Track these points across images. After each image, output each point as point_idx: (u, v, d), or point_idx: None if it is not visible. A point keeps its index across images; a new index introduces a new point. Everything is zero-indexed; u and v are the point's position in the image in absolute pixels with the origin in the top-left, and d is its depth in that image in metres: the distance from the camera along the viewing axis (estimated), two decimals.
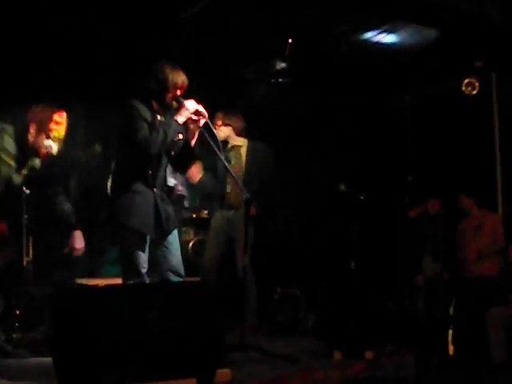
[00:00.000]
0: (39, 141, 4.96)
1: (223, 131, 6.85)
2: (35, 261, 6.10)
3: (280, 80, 8.47)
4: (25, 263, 6.01)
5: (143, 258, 4.89)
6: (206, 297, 4.33)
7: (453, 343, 6.12)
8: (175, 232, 5.12)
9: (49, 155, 5.03)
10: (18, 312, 5.93)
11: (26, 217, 5.51)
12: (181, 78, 4.99)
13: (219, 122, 6.83)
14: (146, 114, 4.89)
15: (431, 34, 7.14)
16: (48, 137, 4.97)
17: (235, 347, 5.15)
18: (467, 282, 6.83)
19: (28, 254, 6.14)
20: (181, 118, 4.87)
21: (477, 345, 6.04)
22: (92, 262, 7.20)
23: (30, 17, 6.18)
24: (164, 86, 4.95)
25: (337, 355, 5.70)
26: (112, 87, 7.05)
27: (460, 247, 7.16)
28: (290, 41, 7.28)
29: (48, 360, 4.20)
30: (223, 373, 4.25)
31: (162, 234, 4.99)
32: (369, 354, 5.69)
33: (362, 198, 6.73)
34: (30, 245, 6.13)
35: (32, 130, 4.96)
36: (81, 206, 6.31)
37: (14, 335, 5.55)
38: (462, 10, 6.58)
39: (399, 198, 8.14)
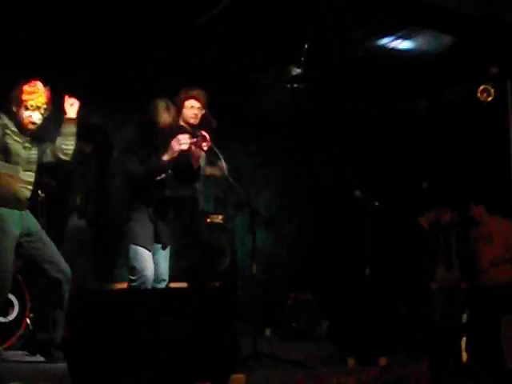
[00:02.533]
0: (21, 115, 5.05)
1: None
2: None
3: (295, 85, 8.47)
4: None
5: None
6: (221, 302, 4.34)
7: (466, 350, 6.10)
8: None
9: (33, 125, 5.10)
10: (31, 315, 6.00)
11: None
12: (169, 120, 5.23)
13: None
14: (136, 143, 5.23)
15: (447, 40, 7.13)
16: (26, 108, 5.04)
17: (249, 354, 5.15)
18: (481, 291, 6.81)
19: None
20: (166, 157, 5.12)
21: (490, 352, 6.02)
22: (108, 266, 7.22)
23: None
24: (153, 123, 5.21)
25: (350, 361, 5.69)
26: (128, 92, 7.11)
27: (473, 255, 7.15)
28: (306, 46, 7.29)
29: (62, 365, 4.23)
30: (237, 378, 4.25)
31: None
32: (382, 361, 5.67)
33: (376, 204, 6.72)
34: None
35: (13, 108, 5.06)
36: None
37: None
38: (478, 16, 6.58)
39: (414, 205, 8.12)
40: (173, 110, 5.25)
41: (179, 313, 4.09)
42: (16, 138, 5.05)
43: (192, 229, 5.80)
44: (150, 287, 5.09)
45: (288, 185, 8.66)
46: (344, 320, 6.58)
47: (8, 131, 5.02)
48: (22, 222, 5.06)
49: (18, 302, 5.92)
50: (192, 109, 5.85)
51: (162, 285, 5.32)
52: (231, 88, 7.94)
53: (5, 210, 4.97)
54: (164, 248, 5.33)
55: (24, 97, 5.03)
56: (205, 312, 4.21)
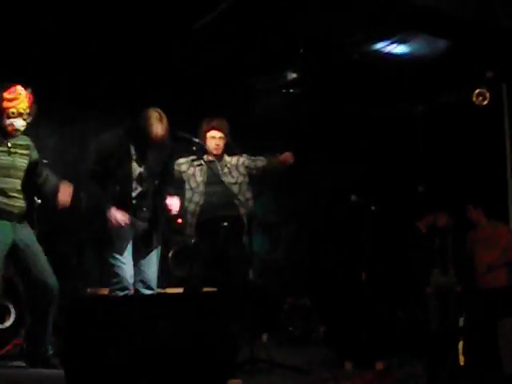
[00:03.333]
0: (3, 122, 4.98)
1: None
2: None
3: (291, 90, 8.48)
4: None
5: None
6: (218, 308, 4.34)
7: (464, 354, 6.09)
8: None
9: (16, 132, 5.01)
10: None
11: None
12: (162, 133, 5.01)
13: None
14: (109, 156, 5.04)
15: (442, 44, 7.15)
16: (8, 116, 4.96)
17: (246, 359, 5.15)
18: (478, 294, 6.81)
19: None
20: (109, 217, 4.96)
21: (488, 356, 6.01)
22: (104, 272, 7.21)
23: None
24: (141, 133, 5.00)
25: (348, 366, 5.70)
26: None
27: (470, 259, 7.15)
28: (301, 51, 7.30)
29: (59, 372, 4.23)
30: (234, 383, 4.25)
31: (144, 252, 5.20)
32: (379, 365, 5.68)
33: (373, 208, 6.72)
34: None
35: None
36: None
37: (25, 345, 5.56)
38: (473, 20, 6.59)
39: (410, 209, 8.13)
40: (165, 121, 5.04)
41: (175, 318, 4.09)
42: None
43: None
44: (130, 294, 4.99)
45: (284, 189, 8.65)
46: (341, 324, 6.59)
47: None
48: (14, 232, 5.01)
49: (15, 308, 5.90)
50: (213, 139, 6.09)
51: (150, 292, 5.24)
52: (227, 93, 7.94)
53: None
54: (147, 253, 5.23)
55: (5, 104, 4.92)
56: (201, 317, 4.21)
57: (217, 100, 7.77)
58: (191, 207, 6.12)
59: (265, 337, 7.23)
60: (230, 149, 6.19)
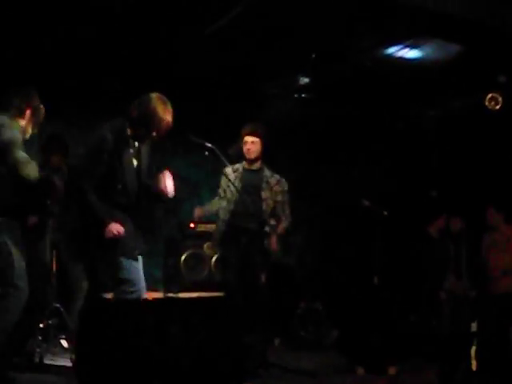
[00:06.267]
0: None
1: None
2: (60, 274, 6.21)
3: (303, 95, 8.49)
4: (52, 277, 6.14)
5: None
6: (229, 312, 4.35)
7: (476, 359, 6.07)
8: None
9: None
10: (41, 325, 6.02)
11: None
12: (167, 121, 4.80)
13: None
14: (112, 145, 4.75)
15: (454, 48, 7.13)
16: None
17: (259, 363, 5.16)
18: (491, 299, 6.78)
19: (52, 268, 6.24)
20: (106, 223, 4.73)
21: (500, 360, 5.99)
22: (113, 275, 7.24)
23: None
24: (146, 122, 4.78)
25: (360, 371, 5.69)
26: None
27: (484, 263, 7.10)
28: (313, 56, 7.30)
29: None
30: None
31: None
32: (392, 370, 5.67)
33: (385, 213, 6.71)
34: (54, 259, 6.23)
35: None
36: None
37: (38, 349, 5.61)
38: (485, 24, 6.57)
39: (423, 213, 8.10)
40: (170, 109, 4.82)
41: (188, 322, 4.11)
42: None
43: None
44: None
45: (296, 194, 8.64)
46: (353, 329, 6.58)
47: None
48: None
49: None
50: (246, 144, 6.12)
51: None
52: (239, 98, 7.96)
53: None
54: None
55: None
56: (214, 321, 4.23)
57: (229, 105, 7.80)
58: (223, 215, 6.13)
59: (277, 341, 7.23)
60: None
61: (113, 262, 4.83)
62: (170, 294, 6.70)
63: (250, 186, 6.10)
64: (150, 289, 6.87)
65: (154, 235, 5.40)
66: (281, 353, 6.35)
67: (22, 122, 4.92)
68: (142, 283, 4.89)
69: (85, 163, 4.76)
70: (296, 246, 8.84)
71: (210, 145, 5.51)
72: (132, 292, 4.83)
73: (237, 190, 5.89)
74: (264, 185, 6.15)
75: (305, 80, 8.10)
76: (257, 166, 6.18)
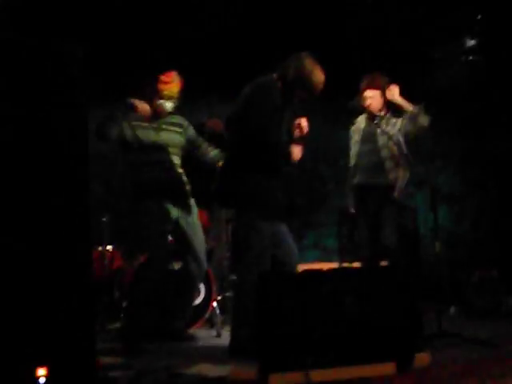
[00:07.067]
0: (155, 102, 5.36)
1: None
2: None
3: (470, 58, 8.25)
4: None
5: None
6: (404, 281, 4.36)
7: None
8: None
9: (164, 112, 5.41)
10: (219, 298, 6.30)
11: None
12: (321, 84, 4.79)
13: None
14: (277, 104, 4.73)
15: None
16: (160, 97, 5.34)
17: (434, 333, 5.14)
18: None
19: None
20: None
21: None
22: None
23: None
24: (303, 83, 4.75)
25: None
26: None
27: None
28: (479, 17, 7.09)
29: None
30: (422, 357, 4.26)
31: None
32: None
33: None
34: None
35: (148, 96, 5.38)
36: None
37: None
38: None
39: None
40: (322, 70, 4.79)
41: (362, 292, 4.17)
42: (145, 124, 5.36)
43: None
44: None
45: (468, 160, 8.46)
46: None
47: (134, 123, 5.32)
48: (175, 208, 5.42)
49: (205, 287, 6.24)
50: (364, 100, 5.97)
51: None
52: (405, 64, 7.86)
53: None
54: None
55: (160, 86, 5.32)
56: (388, 291, 4.26)
57: (398, 71, 7.73)
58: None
59: (452, 310, 7.15)
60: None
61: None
62: (345, 264, 6.76)
63: (371, 135, 5.99)
64: (324, 259, 7.07)
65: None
66: (456, 321, 6.27)
67: None
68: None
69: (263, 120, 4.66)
70: (470, 212, 8.68)
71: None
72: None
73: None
74: (378, 131, 5.94)
75: (471, 42, 7.87)
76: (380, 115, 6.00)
